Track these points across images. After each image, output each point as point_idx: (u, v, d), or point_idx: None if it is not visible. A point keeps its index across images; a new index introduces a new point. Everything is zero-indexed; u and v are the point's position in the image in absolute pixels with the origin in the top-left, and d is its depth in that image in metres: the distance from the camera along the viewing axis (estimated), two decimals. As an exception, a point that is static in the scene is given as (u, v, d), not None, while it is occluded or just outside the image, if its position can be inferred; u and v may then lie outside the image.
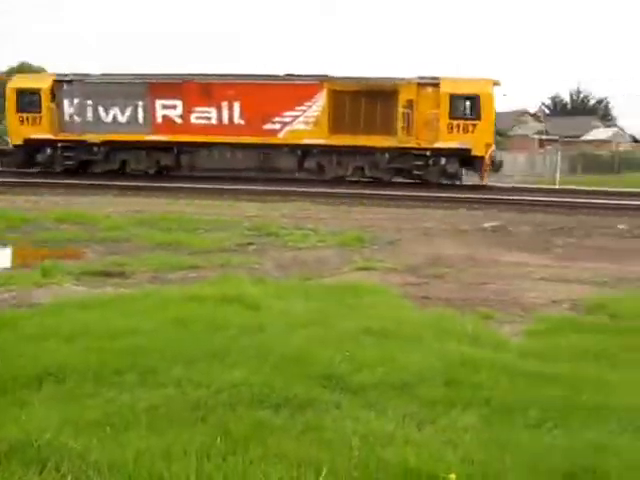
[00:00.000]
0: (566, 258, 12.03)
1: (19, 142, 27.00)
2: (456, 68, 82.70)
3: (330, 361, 5.37)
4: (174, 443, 3.93)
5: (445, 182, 25.14)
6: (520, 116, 61.47)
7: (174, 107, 26.31)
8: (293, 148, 25.72)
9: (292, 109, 25.49)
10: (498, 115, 52.25)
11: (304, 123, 25.60)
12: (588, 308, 8.07)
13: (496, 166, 25.64)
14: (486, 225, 15.96)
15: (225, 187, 22.91)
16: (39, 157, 27.40)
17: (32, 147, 27.11)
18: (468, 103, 24.56)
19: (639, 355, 6.12)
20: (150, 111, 26.38)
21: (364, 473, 3.66)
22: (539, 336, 6.75)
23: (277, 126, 25.73)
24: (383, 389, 4.94)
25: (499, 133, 49.74)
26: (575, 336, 6.63)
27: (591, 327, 7.07)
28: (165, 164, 27.02)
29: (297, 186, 23.34)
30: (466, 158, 24.83)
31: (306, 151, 25.77)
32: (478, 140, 24.29)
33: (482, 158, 24.50)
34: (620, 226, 16.34)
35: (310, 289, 8.72)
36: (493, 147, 25.20)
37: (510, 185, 26.86)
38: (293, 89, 25.55)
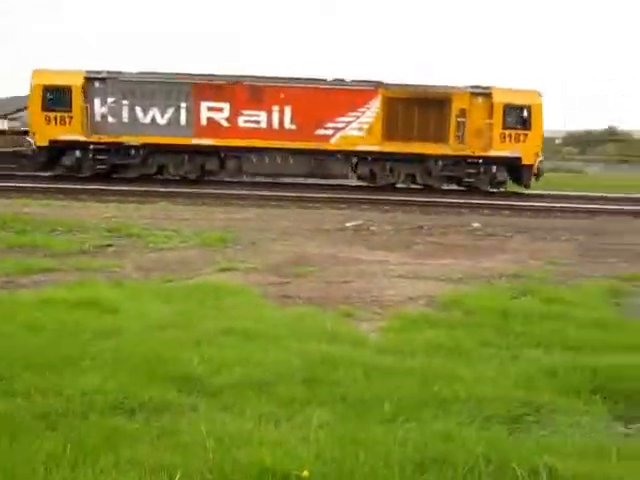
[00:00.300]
0: (424, 256, 12.44)
1: (44, 143, 24.37)
2: (456, 68, 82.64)
3: (188, 363, 5.30)
4: (20, 454, 3.74)
5: (492, 190, 25.52)
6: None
7: (221, 110, 24.97)
8: (346, 154, 25.28)
9: (345, 115, 25.02)
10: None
11: (357, 129, 25.17)
12: (443, 304, 8.36)
13: (540, 174, 25.74)
14: (348, 224, 16.28)
15: (83, 187, 22.12)
16: (65, 160, 24.96)
17: (57, 149, 24.73)
18: (520, 113, 24.97)
19: (489, 349, 6.42)
20: (194, 113, 24.92)
21: (219, 475, 3.63)
22: (396, 332, 6.93)
23: (330, 132, 25.12)
24: (241, 390, 4.92)
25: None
26: (430, 331, 6.86)
27: (445, 322, 7.34)
28: (209, 169, 25.67)
29: (158, 186, 22.90)
30: (515, 166, 25.30)
31: (359, 157, 25.43)
32: (528, 149, 24.90)
33: (531, 167, 25.10)
34: (474, 224, 17.11)
35: (171, 291, 8.57)
36: (541, 156, 25.54)
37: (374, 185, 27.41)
38: (347, 94, 25.00)
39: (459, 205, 21.03)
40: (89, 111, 24.50)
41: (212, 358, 5.45)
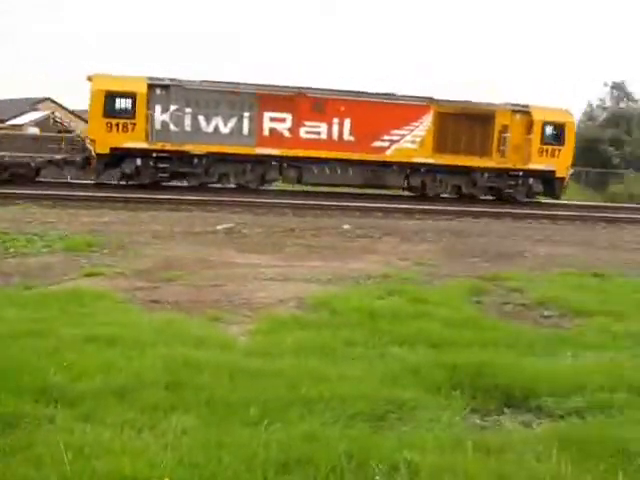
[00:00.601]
0: (295, 258, 12.53)
1: (104, 151, 23.20)
2: (456, 68, 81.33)
3: (45, 372, 5.07)
4: None
5: (527, 200, 27.24)
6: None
7: (283, 120, 25.11)
8: (401, 166, 26.10)
9: (400, 128, 25.96)
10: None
11: (411, 142, 26.18)
12: (312, 305, 8.44)
13: (567, 186, 28.37)
14: (220, 227, 16.15)
15: None
16: (125, 168, 23.97)
17: (116, 157, 23.70)
18: (555, 130, 27.10)
19: (356, 348, 6.54)
20: (257, 123, 24.88)
21: (75, 488, 3.49)
22: (265, 334, 6.93)
23: (385, 144, 25.92)
24: (102, 398, 4.76)
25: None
26: (299, 333, 6.91)
27: (314, 324, 7.41)
28: (270, 178, 25.72)
29: (21, 188, 21.83)
30: (549, 179, 27.16)
31: (412, 169, 26.27)
32: (561, 163, 26.97)
33: (563, 179, 27.26)
34: (345, 226, 17.41)
35: (31, 298, 8.19)
36: (571, 169, 27.90)
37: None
38: (402, 109, 26.00)
39: (330, 207, 21.33)
40: (151, 118, 23.99)
41: (72, 366, 5.25)
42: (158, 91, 24.20)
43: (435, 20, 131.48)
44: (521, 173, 27.13)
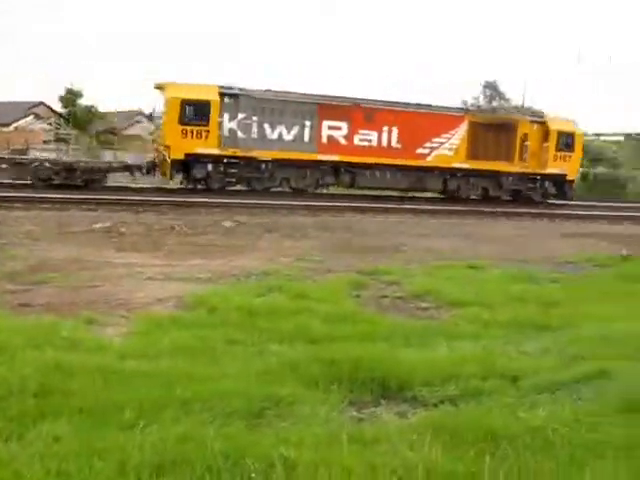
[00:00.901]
0: (175, 257, 12.31)
1: (179, 156, 24.40)
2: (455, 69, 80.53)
3: None
4: None
5: (540, 200, 30.37)
6: (135, 116, 61.94)
7: (340, 128, 27.04)
8: (441, 171, 28.69)
9: (439, 136, 28.56)
10: (117, 115, 52.00)
11: (448, 149, 28.76)
12: (191, 304, 8.33)
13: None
14: (97, 226, 15.66)
15: None
16: (197, 173, 25.14)
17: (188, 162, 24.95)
18: (568, 139, 30.48)
19: (235, 347, 6.50)
20: (317, 131, 26.70)
21: None
22: (141, 335, 6.77)
23: (427, 151, 28.44)
24: (-36, 408, 4.50)
25: (113, 133, 49.25)
26: (177, 333, 6.79)
27: (192, 323, 7.31)
28: (326, 182, 27.53)
29: None
30: (561, 182, 30.71)
31: (450, 174, 28.97)
32: (572, 167, 30.93)
33: (572, 182, 31.44)
34: (227, 224, 17.28)
35: None
36: (578, 173, 32.56)
37: (122, 185, 26.68)
38: (441, 118, 28.76)
39: (212, 205, 21.10)
40: (222, 126, 25.22)
41: None
42: (227, 100, 25.53)
43: (434, 21, 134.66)
44: (539, 177, 30.58)
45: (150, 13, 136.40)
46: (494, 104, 55.17)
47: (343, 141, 27.25)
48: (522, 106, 55.45)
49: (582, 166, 33.77)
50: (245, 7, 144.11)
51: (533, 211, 25.67)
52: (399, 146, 28.02)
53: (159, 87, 25.63)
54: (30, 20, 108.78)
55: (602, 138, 62.01)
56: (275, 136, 26.25)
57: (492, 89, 56.81)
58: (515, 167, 29.95)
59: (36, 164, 24.47)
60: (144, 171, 26.02)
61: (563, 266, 13.05)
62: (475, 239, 16.89)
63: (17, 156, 27.89)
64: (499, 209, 25.78)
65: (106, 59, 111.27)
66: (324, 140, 26.95)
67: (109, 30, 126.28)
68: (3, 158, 25.41)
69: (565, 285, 10.85)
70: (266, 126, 26.08)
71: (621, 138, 63.60)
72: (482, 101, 56.45)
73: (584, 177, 41.65)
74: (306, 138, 26.68)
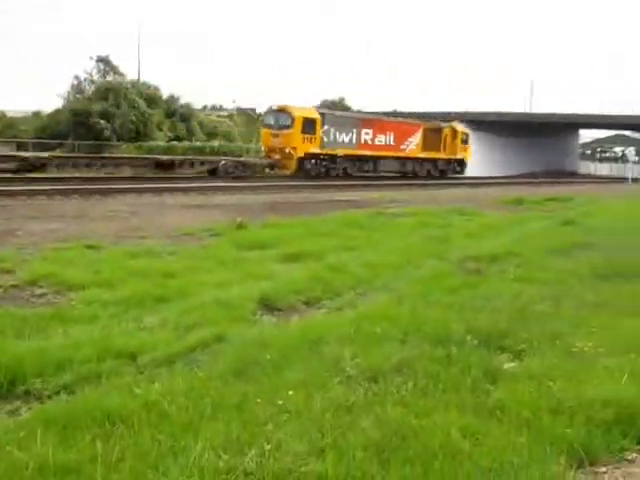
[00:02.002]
0: None
1: (301, 155, 37.58)
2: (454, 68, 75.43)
3: None
4: None
5: (452, 174, 50.09)
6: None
7: (368, 134, 42.96)
8: (411, 159, 46.64)
9: (411, 137, 46.42)
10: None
11: (414, 145, 46.43)
12: None
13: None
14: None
15: None
16: (307, 165, 38.42)
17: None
18: (465, 137, 51.51)
19: None
20: (358, 136, 42.18)
21: None
22: None
23: (405, 147, 45.91)
24: None
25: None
26: None
27: None
28: (366, 169, 43.34)
29: None
30: (462, 163, 51.42)
31: (414, 160, 46.92)
32: (468, 154, 52.17)
33: (466, 163, 52.13)
34: None
35: None
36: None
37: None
38: (412, 127, 47.04)
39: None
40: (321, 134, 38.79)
41: None
42: (321, 118, 39.12)
43: (434, 21, 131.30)
44: (452, 160, 49.94)
45: (151, 13, 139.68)
46: (109, 79, 54.32)
47: (370, 142, 43.11)
48: (138, 81, 55.56)
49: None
50: (245, 8, 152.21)
51: (145, 186, 25.52)
52: (393, 144, 44.87)
53: (282, 109, 38.05)
54: (30, 20, 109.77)
55: (218, 113, 65.06)
56: (340, 140, 40.58)
57: (106, 64, 55.71)
58: (442, 155, 48.79)
59: (223, 162, 35.74)
60: (269, 167, 38.05)
61: (181, 238, 13.39)
62: (89, 218, 16.44)
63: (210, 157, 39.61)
64: (95, 186, 24.62)
65: (106, 59, 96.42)
66: (362, 142, 42.40)
67: (109, 30, 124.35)
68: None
69: (183, 257, 11.13)
70: (337, 134, 40.34)
71: (234, 112, 67.26)
72: (95, 76, 55.17)
73: (201, 149, 43.30)
74: (354, 141, 41.74)
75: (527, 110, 78.89)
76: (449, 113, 61.54)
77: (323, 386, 5.07)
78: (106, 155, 39.10)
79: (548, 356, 6.03)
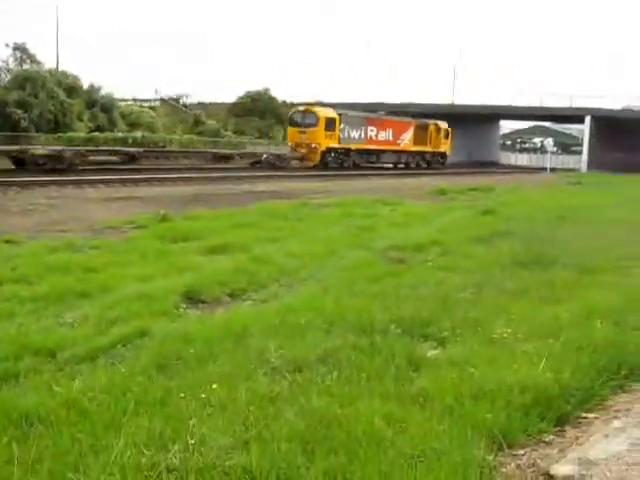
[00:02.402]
0: None
1: (324, 149, 43.99)
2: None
3: None
4: None
5: (437, 165, 56.43)
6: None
7: (373, 131, 49.62)
8: (405, 152, 53.70)
9: (405, 133, 53.29)
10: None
11: (407, 140, 53.27)
12: None
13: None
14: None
15: None
16: (328, 157, 44.69)
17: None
18: (446, 133, 57.81)
19: None
20: (365, 132, 48.75)
21: None
22: None
23: (400, 141, 52.71)
24: None
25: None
26: None
27: None
28: (371, 161, 49.83)
29: None
30: (444, 156, 57.76)
31: (408, 153, 54.42)
32: (449, 148, 58.60)
33: (447, 155, 58.59)
34: None
35: None
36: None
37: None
38: (406, 124, 53.98)
39: None
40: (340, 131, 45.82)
41: None
42: (338, 117, 45.26)
43: (433, 21, 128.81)
44: (437, 153, 56.28)
45: (151, 13, 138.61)
46: (25, 67, 52.58)
47: (374, 138, 49.38)
48: (56, 69, 53.96)
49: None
50: (245, 8, 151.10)
51: (67, 178, 24.66)
52: (392, 140, 51.33)
53: (308, 110, 45.21)
54: (30, 20, 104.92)
55: (139, 103, 63.80)
56: (353, 136, 46.70)
57: (22, 52, 53.85)
58: (429, 148, 55.22)
59: (265, 156, 41.44)
60: (299, 160, 43.52)
61: (103, 232, 13.12)
62: (7, 212, 15.89)
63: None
64: (14, 178, 23.52)
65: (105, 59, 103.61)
66: (368, 137, 48.63)
67: (109, 30, 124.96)
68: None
69: (105, 250, 10.90)
70: (350, 131, 46.54)
71: (157, 103, 66.19)
72: (12, 64, 53.31)
73: (124, 140, 42.45)
74: (362, 136, 47.98)
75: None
76: (373, 104, 62.49)
77: (247, 378, 5.05)
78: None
79: (470, 343, 6.15)
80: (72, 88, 52.33)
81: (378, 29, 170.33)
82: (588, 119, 65.11)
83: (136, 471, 3.72)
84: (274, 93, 67.47)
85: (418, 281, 8.82)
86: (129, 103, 61.31)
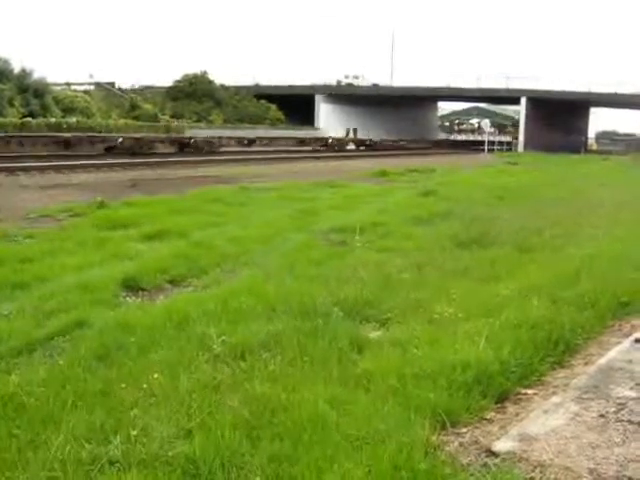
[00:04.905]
0: None
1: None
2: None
3: None
4: None
5: None
6: None
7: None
8: None
9: None
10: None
11: None
12: None
13: None
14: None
15: None
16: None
17: None
18: None
19: None
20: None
21: None
22: None
23: None
24: None
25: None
26: None
27: None
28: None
29: None
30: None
31: None
32: None
33: None
34: None
35: None
36: None
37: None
38: None
39: None
40: None
41: None
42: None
43: (432, 22, 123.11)
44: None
45: (151, 13, 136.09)
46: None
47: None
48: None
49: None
50: (244, 8, 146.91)
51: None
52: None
53: None
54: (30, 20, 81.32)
55: (73, 87, 62.21)
56: None
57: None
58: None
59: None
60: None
61: (39, 220, 12.78)
62: None
63: None
64: None
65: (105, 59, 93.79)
66: None
67: (109, 30, 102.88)
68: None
69: (41, 239, 10.62)
70: None
71: (91, 87, 64.69)
72: None
73: (58, 126, 41.45)
74: None
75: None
76: (312, 87, 62.60)
77: (190, 366, 4.99)
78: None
79: (412, 323, 6.20)
80: (1, 72, 50.70)
81: (314, 10, 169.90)
82: (524, 100, 66.10)
83: (77, 465, 3.64)
84: (212, 76, 66.56)
85: (360, 263, 8.85)
86: (63, 88, 59.69)
